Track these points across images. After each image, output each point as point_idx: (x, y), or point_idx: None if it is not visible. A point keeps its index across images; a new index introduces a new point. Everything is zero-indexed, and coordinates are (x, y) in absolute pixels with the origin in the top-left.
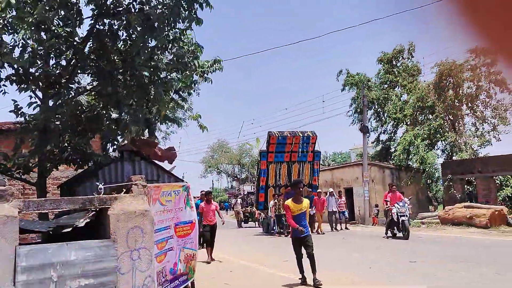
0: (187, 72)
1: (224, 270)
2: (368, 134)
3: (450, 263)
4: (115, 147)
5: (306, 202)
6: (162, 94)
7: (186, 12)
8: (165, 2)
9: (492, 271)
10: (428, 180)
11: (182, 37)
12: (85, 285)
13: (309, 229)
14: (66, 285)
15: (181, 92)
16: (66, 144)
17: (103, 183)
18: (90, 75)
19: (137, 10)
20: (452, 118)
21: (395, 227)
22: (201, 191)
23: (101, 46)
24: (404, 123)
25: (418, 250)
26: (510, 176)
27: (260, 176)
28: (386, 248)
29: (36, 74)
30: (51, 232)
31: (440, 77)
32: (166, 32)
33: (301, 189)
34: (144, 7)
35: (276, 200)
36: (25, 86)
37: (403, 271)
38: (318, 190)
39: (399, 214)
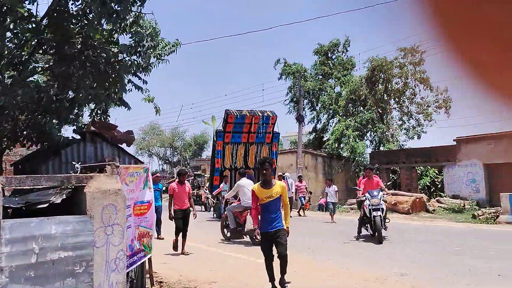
0: (146, 54)
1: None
2: (303, 123)
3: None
4: (74, 128)
5: (279, 186)
6: (123, 76)
7: None
8: None
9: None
10: (357, 169)
11: (141, 20)
12: (64, 257)
13: (283, 221)
14: (47, 256)
15: (139, 74)
16: (22, 124)
17: (79, 163)
18: (49, 55)
19: None
20: (381, 111)
21: (367, 225)
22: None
23: (60, 27)
24: (338, 114)
25: (348, 231)
26: (429, 167)
27: (216, 158)
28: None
29: None
30: (23, 208)
31: (372, 71)
32: (123, 16)
33: (269, 170)
34: None
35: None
36: None
37: (341, 251)
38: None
39: (370, 207)
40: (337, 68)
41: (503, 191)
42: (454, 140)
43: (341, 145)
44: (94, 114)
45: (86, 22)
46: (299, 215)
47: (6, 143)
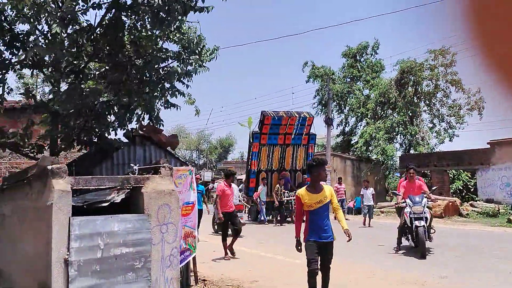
0: (189, 61)
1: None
2: (332, 126)
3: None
4: (125, 131)
5: (328, 190)
6: (173, 82)
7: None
8: None
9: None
10: (386, 172)
11: (184, 27)
12: (126, 253)
13: (333, 233)
14: (110, 252)
15: (183, 80)
16: (75, 128)
17: (138, 165)
18: (103, 63)
19: (145, 3)
20: (411, 114)
21: (409, 236)
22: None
23: (114, 37)
24: (367, 117)
25: (381, 235)
26: (462, 171)
27: (252, 160)
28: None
29: (51, 61)
30: (84, 207)
31: (402, 74)
32: (172, 23)
33: (324, 173)
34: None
35: (278, 185)
36: (39, 72)
37: (370, 252)
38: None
39: (412, 216)
40: (365, 70)
41: None
42: (487, 143)
43: (370, 148)
44: (141, 119)
45: (137, 32)
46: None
47: (60, 146)
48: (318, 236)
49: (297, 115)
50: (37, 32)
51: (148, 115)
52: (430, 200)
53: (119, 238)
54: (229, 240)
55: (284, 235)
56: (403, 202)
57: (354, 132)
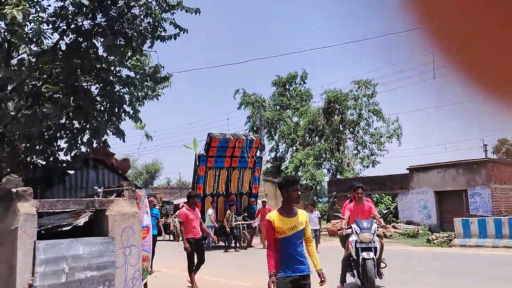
0: (146, 87)
1: None
2: (264, 152)
3: None
4: (72, 155)
5: (303, 215)
6: (124, 107)
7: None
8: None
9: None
10: (315, 197)
11: (140, 55)
12: (91, 277)
13: (312, 262)
14: (75, 276)
15: (135, 105)
16: (21, 150)
17: (102, 187)
18: (57, 86)
19: (109, 30)
20: (337, 141)
21: (354, 271)
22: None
23: (72, 61)
24: (297, 143)
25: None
26: (384, 195)
27: (197, 184)
28: None
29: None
30: (42, 232)
31: (328, 103)
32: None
33: (296, 193)
34: (120, 27)
35: (229, 211)
36: None
37: None
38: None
39: (359, 246)
40: (295, 99)
41: (451, 217)
42: (407, 169)
43: (299, 173)
44: (89, 143)
45: (94, 57)
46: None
47: (5, 169)
48: (292, 269)
49: (244, 137)
50: None
51: (95, 139)
52: (380, 226)
53: (84, 261)
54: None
55: (246, 261)
56: (348, 228)
57: (284, 158)
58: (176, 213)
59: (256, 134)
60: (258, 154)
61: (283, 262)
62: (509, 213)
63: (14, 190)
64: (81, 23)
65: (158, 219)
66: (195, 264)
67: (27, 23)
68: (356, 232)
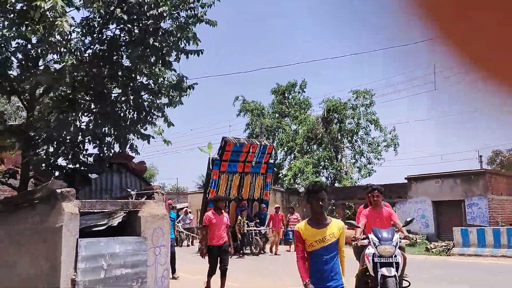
0: (172, 96)
1: None
2: None
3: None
4: (103, 158)
5: (337, 226)
6: (163, 113)
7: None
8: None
9: None
10: None
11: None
12: (126, 273)
13: (343, 281)
14: (112, 273)
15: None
16: (51, 154)
17: (135, 190)
18: (92, 94)
19: (135, 38)
20: (335, 150)
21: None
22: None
23: (106, 71)
24: (296, 151)
25: None
26: None
27: (210, 188)
28: None
29: (46, 88)
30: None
31: (327, 112)
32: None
33: (325, 201)
34: (152, 40)
35: (240, 217)
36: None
37: None
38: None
39: (378, 260)
40: (294, 107)
41: (448, 226)
42: (405, 178)
43: (298, 181)
44: (111, 146)
45: (123, 66)
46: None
47: (33, 174)
48: (322, 286)
49: (258, 143)
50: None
51: (122, 144)
52: (403, 237)
53: (120, 259)
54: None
55: (257, 266)
56: (364, 238)
57: (282, 166)
58: (180, 218)
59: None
60: (270, 160)
61: (313, 277)
62: (506, 224)
63: (58, 190)
64: (111, 33)
65: (175, 224)
66: (215, 271)
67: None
68: (374, 244)
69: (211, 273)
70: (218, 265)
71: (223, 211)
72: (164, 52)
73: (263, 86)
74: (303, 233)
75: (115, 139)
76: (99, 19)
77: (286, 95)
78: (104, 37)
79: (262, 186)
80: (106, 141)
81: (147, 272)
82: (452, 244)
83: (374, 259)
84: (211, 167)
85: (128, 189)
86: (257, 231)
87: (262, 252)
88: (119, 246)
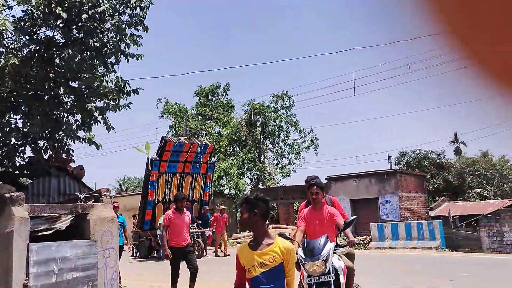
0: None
1: None
2: None
3: None
4: (40, 161)
5: (281, 247)
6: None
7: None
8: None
9: None
10: (238, 206)
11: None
12: (77, 277)
13: None
14: (63, 277)
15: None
16: None
17: (84, 193)
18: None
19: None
20: (258, 152)
21: None
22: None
23: (47, 72)
24: (219, 153)
25: None
26: None
27: (149, 189)
28: None
29: None
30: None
31: (250, 114)
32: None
33: (254, 217)
34: (92, 40)
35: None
36: None
37: None
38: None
39: (310, 281)
40: (217, 110)
41: (365, 222)
42: (325, 178)
43: (222, 182)
44: (54, 150)
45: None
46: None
47: None
48: None
49: (199, 142)
50: None
51: (54, 147)
52: (348, 242)
53: (71, 263)
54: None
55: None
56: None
57: None
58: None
59: None
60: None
61: None
62: (413, 218)
63: (7, 195)
64: (50, 33)
65: (125, 228)
66: (179, 275)
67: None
68: (302, 261)
69: (174, 278)
70: (187, 266)
71: (184, 210)
72: (103, 53)
73: (186, 89)
74: (241, 258)
75: (50, 142)
76: (36, 17)
77: (209, 97)
78: (42, 36)
79: (202, 187)
80: (41, 144)
81: (97, 275)
82: (369, 238)
83: (307, 280)
84: (150, 168)
85: (76, 193)
86: (199, 234)
87: (204, 255)
88: (70, 250)
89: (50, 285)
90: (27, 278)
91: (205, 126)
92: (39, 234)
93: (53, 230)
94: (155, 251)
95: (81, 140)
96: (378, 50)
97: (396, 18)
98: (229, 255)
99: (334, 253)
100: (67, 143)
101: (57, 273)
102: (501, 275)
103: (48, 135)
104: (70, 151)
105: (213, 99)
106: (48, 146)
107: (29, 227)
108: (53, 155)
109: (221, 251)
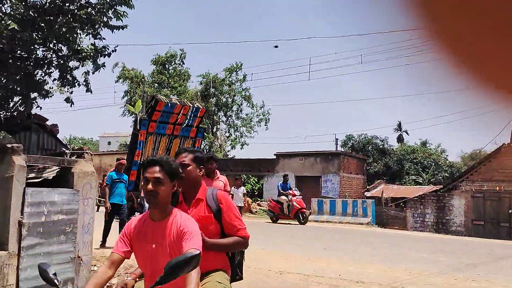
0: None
1: None
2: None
3: None
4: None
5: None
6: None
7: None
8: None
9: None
10: None
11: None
12: (61, 219)
13: None
14: (51, 218)
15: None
16: None
17: (70, 150)
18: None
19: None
20: (211, 123)
21: None
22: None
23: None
24: None
25: None
26: (251, 176)
27: (136, 149)
28: None
29: None
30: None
31: (206, 86)
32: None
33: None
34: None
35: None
36: None
37: None
38: None
39: None
40: (174, 78)
41: (308, 197)
42: (274, 155)
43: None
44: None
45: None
46: None
47: None
48: None
49: (190, 105)
50: None
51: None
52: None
53: (58, 207)
54: None
55: None
56: None
57: None
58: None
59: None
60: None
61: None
62: (352, 197)
63: (9, 145)
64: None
65: (126, 187)
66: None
67: None
68: None
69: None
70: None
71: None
72: (89, 24)
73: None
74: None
75: (22, 98)
76: None
77: (166, 66)
78: (36, 4)
79: None
80: (17, 99)
81: (78, 219)
82: (309, 212)
83: None
84: (138, 127)
85: (63, 149)
86: None
87: None
88: (57, 196)
89: (41, 223)
90: (22, 216)
91: (160, 94)
92: (28, 181)
93: (41, 179)
94: (138, 213)
95: (49, 96)
96: (334, 41)
97: (356, 13)
98: None
99: None
100: (36, 100)
101: (46, 214)
102: (415, 247)
103: (24, 92)
104: (39, 108)
105: (170, 67)
106: (20, 103)
107: (25, 174)
108: (31, 112)
109: None
